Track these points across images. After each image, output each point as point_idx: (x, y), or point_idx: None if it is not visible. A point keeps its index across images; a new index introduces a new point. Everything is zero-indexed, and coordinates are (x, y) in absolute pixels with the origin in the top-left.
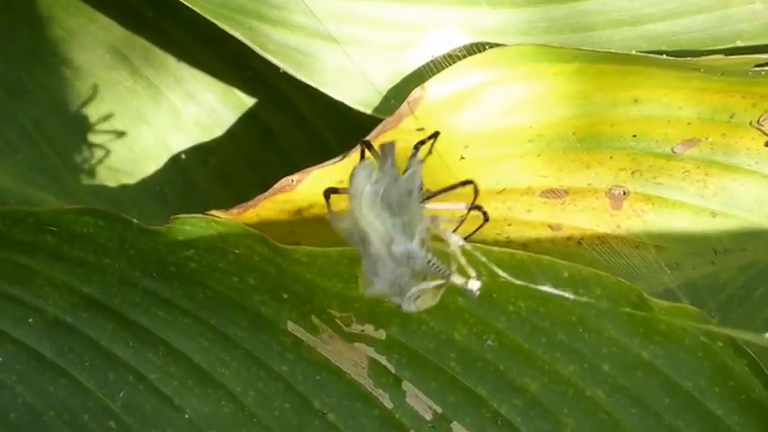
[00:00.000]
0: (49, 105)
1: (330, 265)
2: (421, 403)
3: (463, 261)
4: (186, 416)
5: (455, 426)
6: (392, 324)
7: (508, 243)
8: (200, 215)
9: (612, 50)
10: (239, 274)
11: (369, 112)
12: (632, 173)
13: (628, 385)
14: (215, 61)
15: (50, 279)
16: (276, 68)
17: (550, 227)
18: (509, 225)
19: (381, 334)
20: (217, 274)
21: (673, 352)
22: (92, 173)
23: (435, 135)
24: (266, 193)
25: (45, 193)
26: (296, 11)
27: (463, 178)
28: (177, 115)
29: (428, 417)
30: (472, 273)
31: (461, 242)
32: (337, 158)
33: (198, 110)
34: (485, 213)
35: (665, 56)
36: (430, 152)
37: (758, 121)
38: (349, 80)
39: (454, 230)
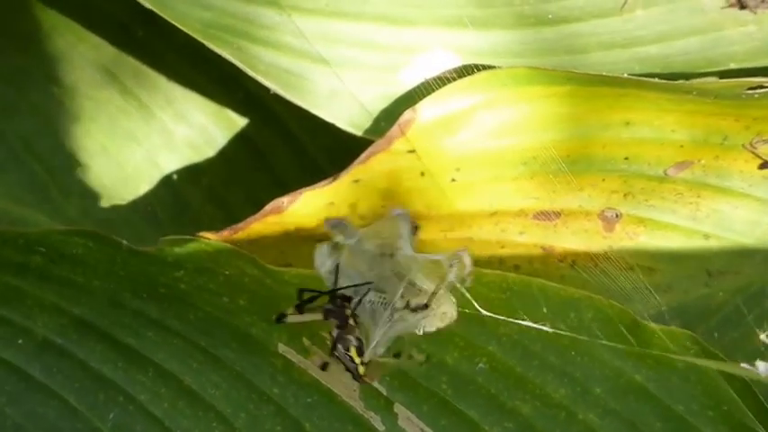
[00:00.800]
0: (39, 125)
1: None
2: (413, 426)
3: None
4: None
5: None
6: None
7: (500, 265)
8: (189, 236)
9: (604, 73)
10: (230, 296)
11: (359, 133)
12: (624, 195)
13: (620, 409)
14: (206, 81)
15: (40, 300)
16: (267, 89)
17: (543, 249)
18: (502, 247)
19: None
20: (207, 295)
21: (665, 375)
22: (82, 193)
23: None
24: (257, 215)
25: (35, 212)
26: (286, 32)
27: (455, 200)
28: (168, 135)
29: None
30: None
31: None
32: (328, 180)
33: (189, 130)
34: None
35: (657, 79)
36: None
37: (751, 144)
38: (340, 102)
39: None
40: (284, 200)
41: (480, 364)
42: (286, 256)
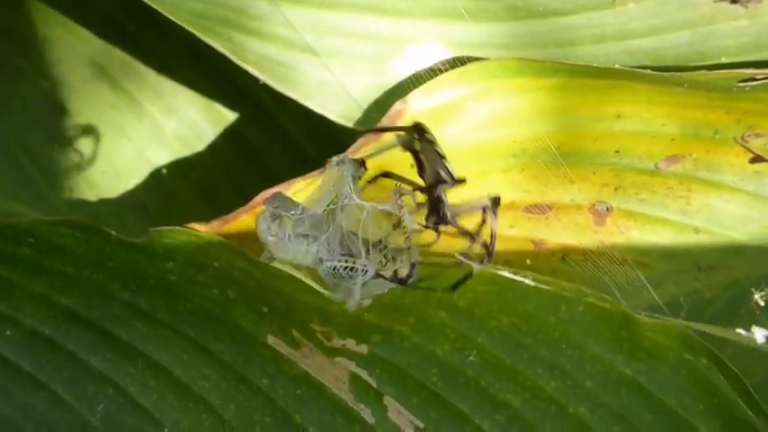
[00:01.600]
0: (28, 118)
1: None
2: (402, 418)
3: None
4: (166, 429)
5: None
6: (373, 339)
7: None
8: (179, 227)
9: (595, 65)
10: (219, 288)
11: (350, 125)
12: (615, 189)
13: (611, 402)
14: (196, 75)
15: (28, 291)
16: (257, 82)
17: (534, 242)
18: None
19: (363, 348)
20: (196, 286)
21: (656, 369)
22: (72, 186)
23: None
24: (246, 207)
25: (24, 206)
26: (276, 22)
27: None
28: (158, 129)
29: None
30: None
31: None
32: (317, 171)
33: (179, 124)
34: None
35: (648, 71)
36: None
37: (742, 138)
38: (330, 93)
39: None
40: (273, 191)
41: (470, 357)
42: None
